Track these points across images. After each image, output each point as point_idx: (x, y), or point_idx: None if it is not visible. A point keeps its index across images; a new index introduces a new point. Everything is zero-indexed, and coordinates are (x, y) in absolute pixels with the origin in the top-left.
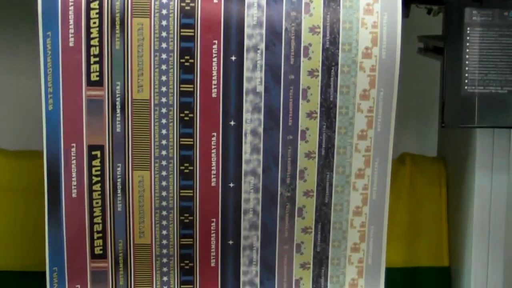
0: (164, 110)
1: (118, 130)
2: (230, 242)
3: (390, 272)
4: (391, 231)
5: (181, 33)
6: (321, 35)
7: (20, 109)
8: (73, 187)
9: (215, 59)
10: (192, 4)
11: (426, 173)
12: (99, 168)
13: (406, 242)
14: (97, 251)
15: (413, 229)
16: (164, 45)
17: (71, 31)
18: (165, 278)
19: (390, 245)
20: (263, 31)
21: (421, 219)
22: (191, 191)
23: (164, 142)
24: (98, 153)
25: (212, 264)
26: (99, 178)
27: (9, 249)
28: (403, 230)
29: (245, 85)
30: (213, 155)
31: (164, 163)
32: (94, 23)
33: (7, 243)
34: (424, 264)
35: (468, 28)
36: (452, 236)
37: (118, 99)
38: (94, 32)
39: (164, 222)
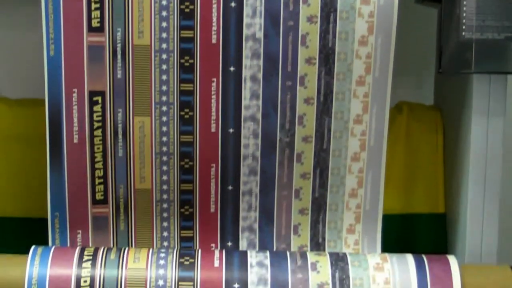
0: (164, 56)
1: (119, 76)
2: (230, 187)
3: (387, 219)
4: (388, 178)
5: None
6: None
7: (21, 58)
8: (74, 132)
9: (214, 5)
10: None
11: (423, 121)
12: (100, 113)
13: (402, 189)
14: (98, 196)
15: (409, 176)
16: None
17: None
18: (165, 224)
19: (387, 192)
20: None
21: (418, 166)
22: (191, 137)
23: (164, 88)
24: (99, 99)
25: (212, 210)
26: (100, 124)
27: (11, 196)
28: (399, 178)
29: (245, 31)
30: (212, 100)
31: (164, 108)
32: None
33: (9, 190)
34: (420, 211)
35: None
36: (448, 183)
37: (118, 45)
38: None
39: (164, 168)
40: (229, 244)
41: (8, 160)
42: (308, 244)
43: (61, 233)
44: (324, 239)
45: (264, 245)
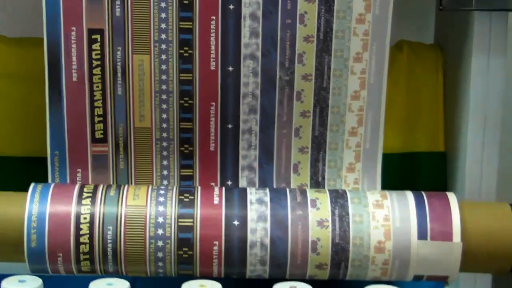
0: None
1: (117, 14)
2: (229, 126)
3: (387, 158)
4: (388, 117)
5: None
6: None
7: None
8: (73, 70)
9: None
10: None
11: (423, 60)
12: (99, 52)
13: (402, 128)
14: (98, 135)
15: (409, 115)
16: None
17: None
18: (165, 162)
19: (387, 131)
20: None
21: (418, 105)
22: (191, 75)
23: (163, 25)
24: (98, 37)
25: (212, 148)
26: (99, 62)
27: (11, 136)
28: (400, 117)
29: None
30: (212, 38)
31: (163, 46)
32: None
33: (9, 130)
34: (420, 150)
35: None
36: (449, 121)
37: None
38: None
39: (164, 106)
40: (229, 183)
41: (7, 100)
42: (308, 183)
43: (61, 171)
44: (324, 178)
45: (264, 184)
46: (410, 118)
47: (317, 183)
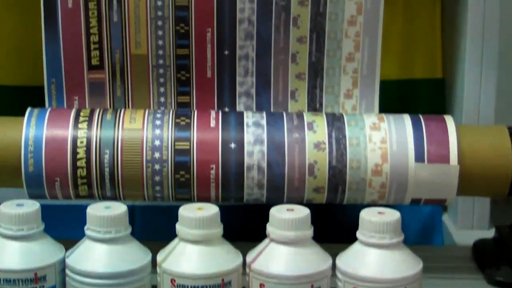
0: None
1: None
2: (226, 52)
3: (385, 85)
4: (385, 44)
5: None
6: None
7: None
8: None
9: None
10: None
11: None
12: None
13: (400, 55)
14: (94, 62)
15: (407, 42)
16: None
17: None
18: (162, 89)
19: (385, 58)
20: None
21: (415, 32)
22: (186, 0)
23: None
24: None
25: (208, 75)
26: None
27: (7, 65)
28: (397, 43)
29: None
30: None
31: None
32: None
33: (5, 58)
34: (418, 77)
35: None
36: (446, 48)
37: None
38: None
39: (160, 32)
40: (226, 109)
41: (2, 28)
42: (306, 109)
43: (58, 99)
44: (321, 104)
45: (261, 111)
46: (408, 45)
47: (314, 109)
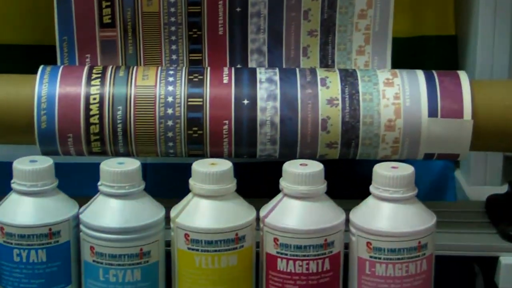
0: None
1: None
2: (238, 9)
3: (397, 42)
4: (397, 0)
5: None
6: None
7: None
8: None
9: None
10: None
11: None
12: None
13: (412, 11)
14: (106, 20)
15: None
16: None
17: None
18: (173, 47)
19: (396, 15)
20: None
21: None
22: None
23: None
24: None
25: (220, 32)
26: None
27: (19, 23)
28: (409, 0)
29: None
30: None
31: None
32: None
33: (17, 17)
34: (430, 33)
35: None
36: (459, 4)
37: None
38: None
39: None
40: (238, 66)
41: None
42: (318, 67)
43: (70, 57)
44: (333, 61)
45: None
46: (420, 1)
47: (326, 66)
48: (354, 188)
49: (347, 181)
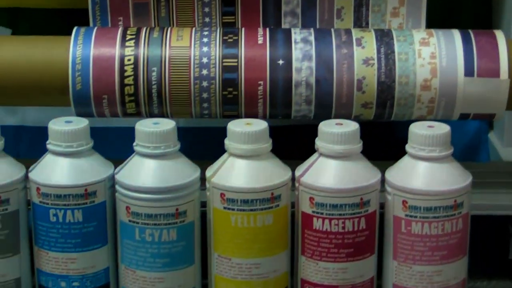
0: None
1: None
2: None
3: (431, 2)
4: None
5: None
6: None
7: None
8: None
9: None
10: None
11: None
12: None
13: None
14: None
15: None
16: None
17: None
18: (206, 9)
19: None
20: None
21: None
22: None
23: None
24: None
25: None
26: None
27: None
28: None
29: None
30: None
31: None
32: None
33: None
34: None
35: None
36: None
37: None
38: None
39: None
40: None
41: None
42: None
43: (102, 21)
44: (367, 23)
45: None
46: None
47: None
48: (389, 150)
49: (382, 143)
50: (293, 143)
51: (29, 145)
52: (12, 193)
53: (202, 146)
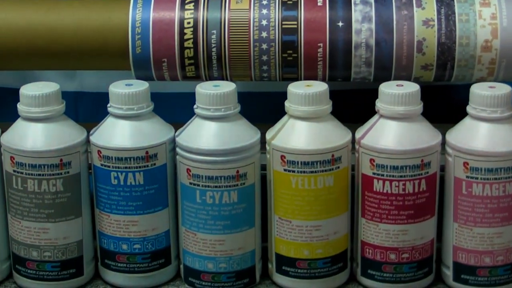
0: None
1: None
2: None
3: None
4: None
5: None
6: None
7: None
8: None
9: None
10: None
11: None
12: None
13: None
14: None
15: None
16: None
17: None
18: None
19: None
20: None
21: None
22: None
23: None
24: None
25: None
26: None
27: None
28: None
29: None
30: None
31: None
32: None
33: None
34: None
35: None
36: None
37: None
38: None
39: None
40: None
41: None
42: None
43: None
44: None
45: None
46: None
47: None
48: (448, 112)
49: (442, 105)
50: (350, 107)
51: (87, 111)
52: (74, 156)
53: (260, 110)
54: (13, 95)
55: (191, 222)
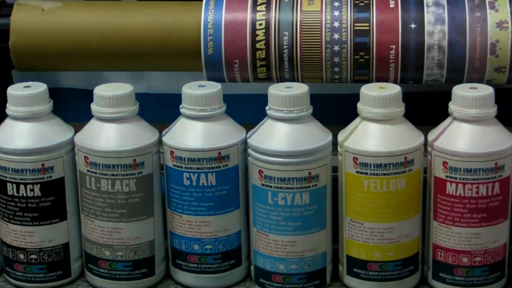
0: None
1: None
2: None
3: None
4: None
5: None
6: None
7: None
8: None
9: None
10: None
11: None
12: None
13: None
14: None
15: None
16: None
17: None
18: None
19: None
20: None
21: None
22: None
23: None
24: None
25: None
26: None
27: None
28: None
29: None
30: None
31: None
32: None
33: None
34: None
35: None
36: None
37: None
38: None
39: None
40: None
41: None
42: None
43: None
44: None
45: None
46: None
47: None
48: None
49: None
50: (422, 109)
51: (155, 112)
52: (147, 156)
53: (330, 112)
54: (82, 96)
55: (262, 223)
